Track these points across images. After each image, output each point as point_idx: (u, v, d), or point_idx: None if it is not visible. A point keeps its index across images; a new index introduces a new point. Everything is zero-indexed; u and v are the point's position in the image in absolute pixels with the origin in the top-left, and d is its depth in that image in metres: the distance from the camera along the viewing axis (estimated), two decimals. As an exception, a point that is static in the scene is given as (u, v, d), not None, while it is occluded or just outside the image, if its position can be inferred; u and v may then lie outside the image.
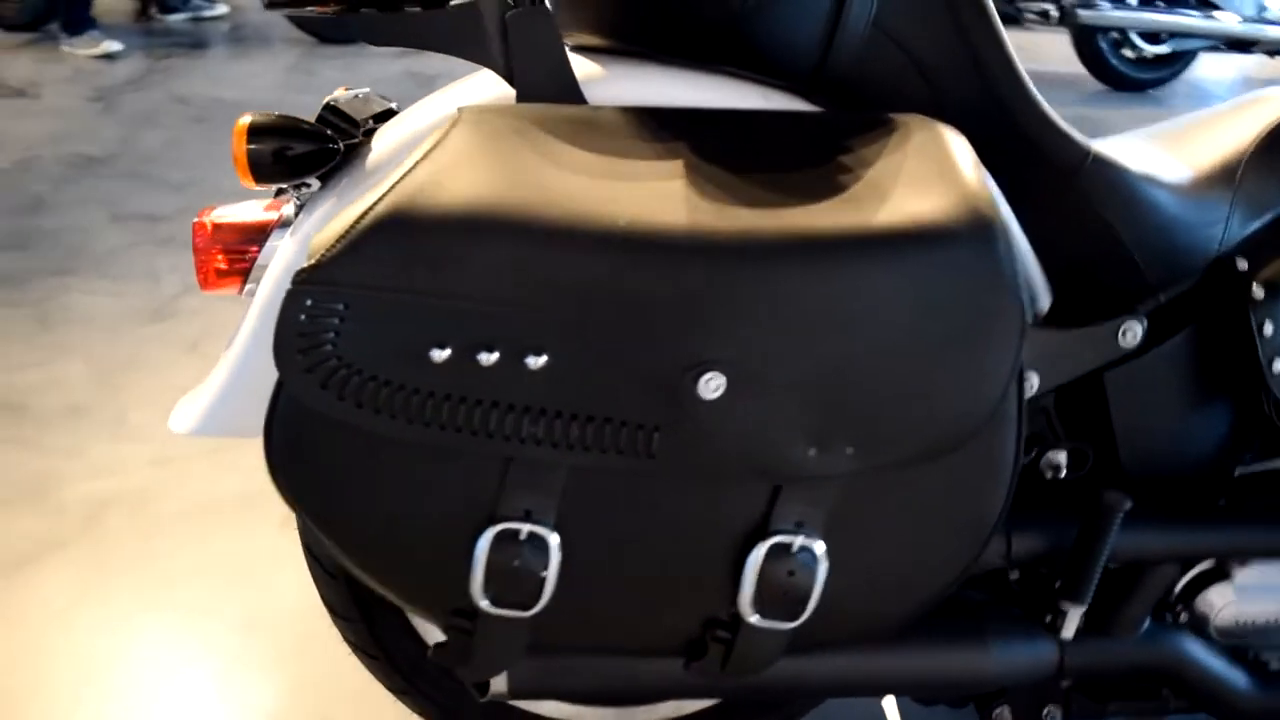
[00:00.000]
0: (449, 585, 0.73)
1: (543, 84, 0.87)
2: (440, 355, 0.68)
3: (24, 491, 1.75)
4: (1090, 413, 1.00)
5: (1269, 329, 0.93)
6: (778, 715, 1.19)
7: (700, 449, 0.70)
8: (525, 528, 0.72)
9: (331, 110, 0.95)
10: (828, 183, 0.72)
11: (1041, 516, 0.94)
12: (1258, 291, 0.93)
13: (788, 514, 0.72)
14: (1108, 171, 0.92)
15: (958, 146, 0.75)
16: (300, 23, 4.51)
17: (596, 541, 0.73)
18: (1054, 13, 4.72)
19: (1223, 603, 1.03)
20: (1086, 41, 4.81)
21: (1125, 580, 1.00)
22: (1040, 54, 5.39)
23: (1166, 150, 1.02)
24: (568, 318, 0.68)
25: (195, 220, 0.98)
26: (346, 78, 4.09)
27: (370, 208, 0.69)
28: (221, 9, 5.22)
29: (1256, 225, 0.98)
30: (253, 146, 0.89)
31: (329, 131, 0.92)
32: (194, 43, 4.83)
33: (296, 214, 0.95)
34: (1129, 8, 4.70)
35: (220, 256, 1.00)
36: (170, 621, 1.48)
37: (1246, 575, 1.04)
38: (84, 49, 4.44)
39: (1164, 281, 0.96)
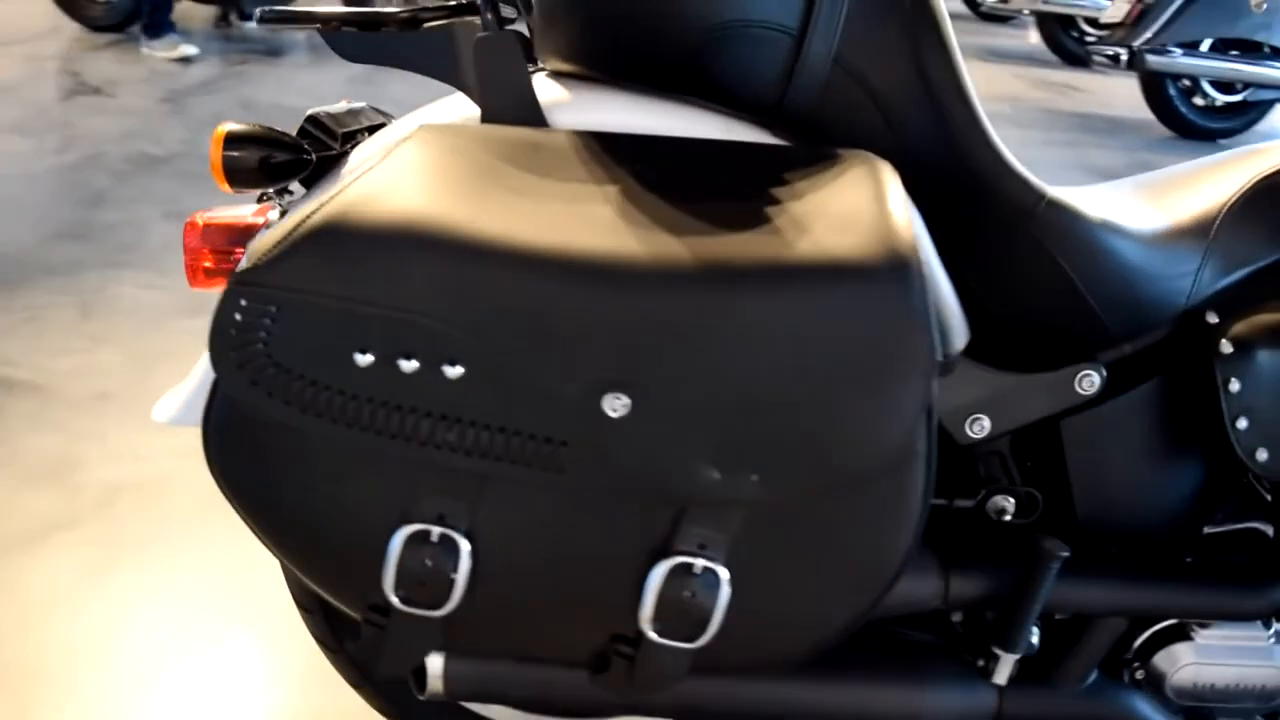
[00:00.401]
0: (365, 581, 0.75)
1: (507, 107, 0.89)
2: (364, 360, 0.71)
3: (44, 472, 1.82)
4: (1046, 460, 0.99)
5: (1235, 385, 0.92)
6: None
7: (606, 466, 0.71)
8: (437, 530, 0.74)
9: (313, 122, 0.99)
10: (755, 215, 0.74)
11: (982, 560, 0.94)
12: (1226, 347, 0.92)
13: (691, 536, 0.73)
14: (1062, 217, 0.92)
15: (888, 185, 0.76)
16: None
17: (507, 549, 0.75)
18: (1124, 57, 4.66)
19: (1181, 662, 1.02)
20: (1156, 87, 4.73)
21: (1071, 631, 0.99)
22: (1108, 99, 5.32)
23: (1141, 199, 1.02)
24: (484, 332, 0.70)
25: (188, 220, 1.02)
26: (409, 89, 4.19)
27: (307, 216, 0.72)
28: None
29: (1229, 280, 0.97)
30: (229, 154, 0.93)
31: (305, 143, 0.96)
32: (269, 50, 4.99)
33: (281, 218, 0.99)
34: (1201, 55, 4.62)
35: (208, 255, 1.04)
36: (170, 606, 1.53)
37: (1208, 636, 1.02)
38: (162, 51, 4.61)
39: (1127, 331, 0.95)
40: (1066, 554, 0.90)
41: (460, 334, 0.70)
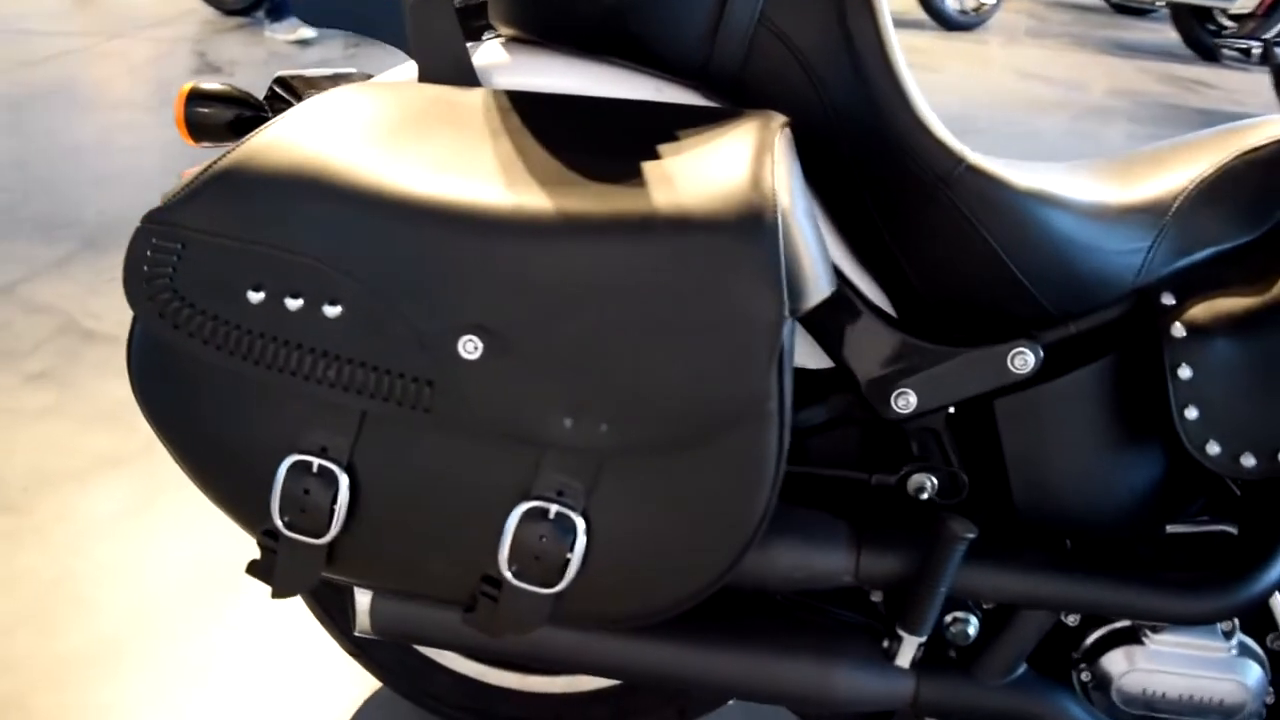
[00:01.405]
0: (257, 506, 0.81)
1: (441, 68, 0.93)
2: (255, 297, 0.76)
3: (104, 414, 1.96)
4: (981, 442, 0.97)
5: (1185, 372, 0.87)
6: (673, 709, 1.21)
7: (466, 408, 0.74)
8: (317, 462, 0.78)
9: (281, 84, 1.05)
10: (630, 171, 0.75)
11: (893, 538, 0.92)
12: (1179, 330, 0.87)
13: (550, 481, 0.75)
14: (982, 183, 0.89)
15: (765, 141, 0.76)
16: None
17: (383, 484, 0.79)
18: (1256, 50, 4.41)
19: (1129, 667, 0.98)
20: (1288, 83, 4.46)
21: (996, 621, 0.97)
22: (1241, 95, 5.04)
23: (1093, 175, 0.98)
24: (360, 273, 0.74)
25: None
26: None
27: (215, 162, 0.77)
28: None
29: (1186, 260, 0.92)
30: (191, 109, 0.99)
31: (269, 103, 1.02)
32: (385, 34, 5.16)
33: None
34: (1341, 49, 4.33)
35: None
36: (205, 543, 1.64)
37: (1161, 642, 0.98)
38: (283, 34, 4.83)
39: (1066, 308, 0.92)
40: (971, 536, 0.88)
41: (339, 275, 0.75)
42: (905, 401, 0.92)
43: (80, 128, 3.57)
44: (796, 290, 0.70)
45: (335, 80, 1.11)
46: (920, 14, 6.07)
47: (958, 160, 0.88)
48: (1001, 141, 4.08)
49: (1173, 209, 0.92)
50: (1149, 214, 0.92)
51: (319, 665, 1.41)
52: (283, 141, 0.78)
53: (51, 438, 1.85)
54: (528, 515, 0.76)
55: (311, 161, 0.77)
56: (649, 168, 0.75)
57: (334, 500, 0.78)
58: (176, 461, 0.85)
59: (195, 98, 1.00)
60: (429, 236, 0.73)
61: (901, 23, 6.14)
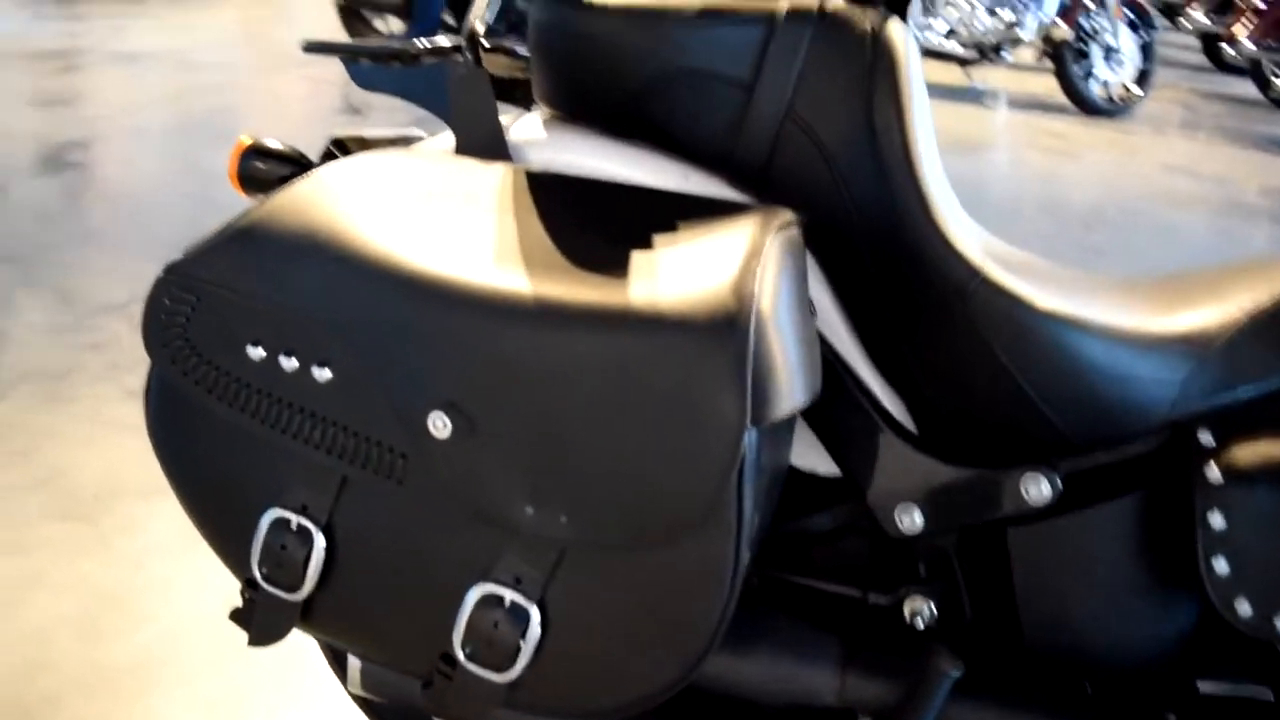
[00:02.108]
0: (240, 555, 0.82)
1: (476, 140, 0.95)
2: (255, 353, 0.78)
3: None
4: (994, 571, 0.91)
5: (1218, 520, 0.80)
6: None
7: (434, 484, 0.75)
8: (296, 519, 0.80)
9: (337, 144, 1.09)
10: (619, 260, 0.75)
11: (883, 663, 0.87)
12: (1214, 472, 0.80)
13: (508, 567, 0.75)
14: (999, 300, 0.85)
15: (762, 241, 0.74)
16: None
17: (356, 548, 0.80)
18: None
19: None
20: None
21: None
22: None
23: (1129, 294, 0.92)
24: (350, 340, 0.76)
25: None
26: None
27: (237, 219, 0.81)
28: None
29: (1231, 397, 0.84)
30: (246, 163, 1.04)
31: (321, 161, 1.06)
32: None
33: None
34: None
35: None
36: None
37: None
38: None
39: (1086, 436, 0.86)
40: (957, 674, 0.82)
41: (332, 337, 0.76)
42: (910, 520, 0.88)
43: (218, 157, 3.78)
44: (764, 399, 0.68)
45: (394, 142, 1.14)
46: (1061, 98, 5.92)
47: (974, 273, 0.85)
48: (1132, 237, 3.92)
49: (1220, 339, 0.85)
50: (1190, 342, 0.85)
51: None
52: (297, 203, 0.81)
53: (133, 453, 1.94)
54: (484, 599, 0.75)
55: (318, 225, 0.79)
56: (638, 259, 0.75)
57: (308, 558, 0.79)
58: (178, 500, 0.87)
59: (251, 153, 1.04)
60: (411, 308, 0.74)
61: (1042, 105, 6.01)
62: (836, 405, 0.89)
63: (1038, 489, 0.84)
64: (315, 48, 1.09)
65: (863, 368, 0.91)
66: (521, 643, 0.74)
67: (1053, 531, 0.87)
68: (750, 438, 0.68)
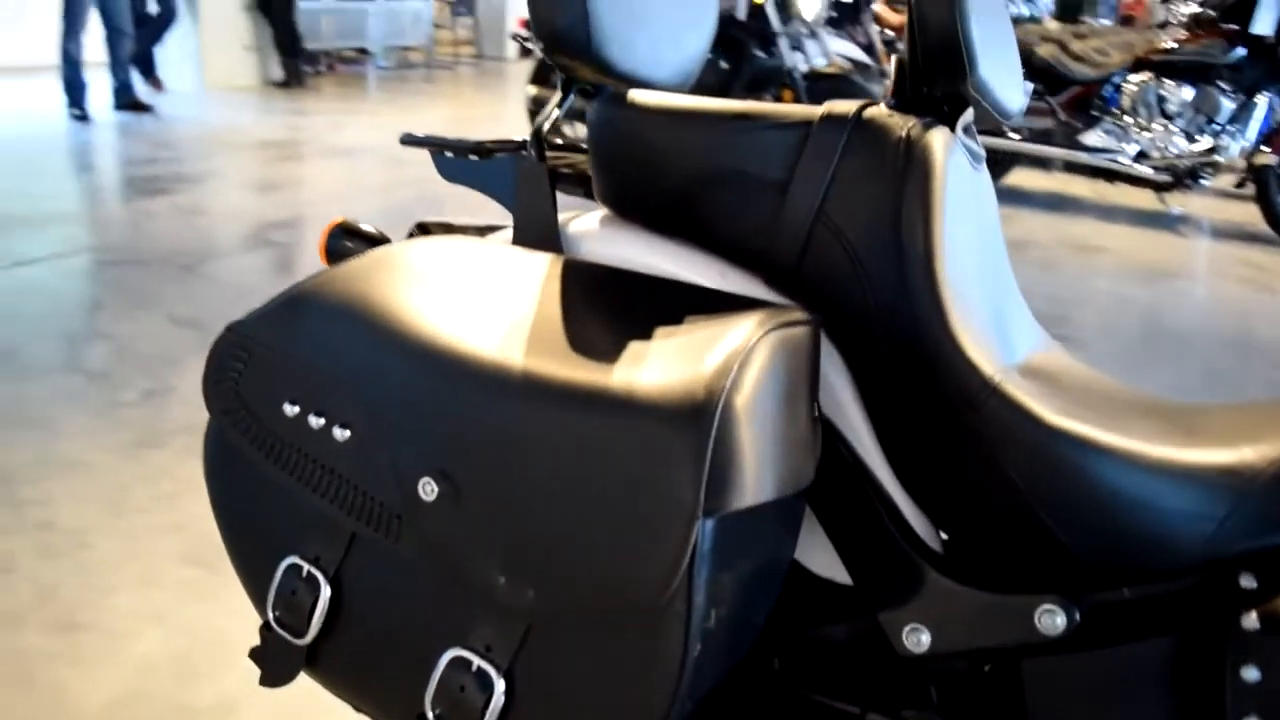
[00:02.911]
0: (261, 596, 0.88)
1: (533, 231, 1.01)
2: (291, 410, 0.85)
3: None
4: (1008, 702, 0.86)
5: (1252, 674, 0.73)
6: None
7: (421, 546, 0.78)
8: (307, 567, 0.85)
9: (420, 228, 1.17)
10: (617, 346, 0.77)
11: None
12: (1252, 621, 0.73)
13: (481, 634, 0.76)
14: (1008, 415, 0.81)
15: (752, 340, 0.74)
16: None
17: (357, 601, 0.84)
18: None
19: None
20: None
21: None
22: None
23: (1163, 418, 0.86)
24: (366, 404, 0.81)
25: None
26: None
27: (293, 287, 0.88)
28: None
29: (1277, 539, 0.76)
30: (334, 241, 1.13)
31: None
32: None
33: None
34: None
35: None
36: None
37: None
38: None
39: (1107, 567, 0.80)
40: None
41: (352, 402, 0.82)
42: (918, 640, 0.85)
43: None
44: (723, 489, 0.68)
45: (475, 230, 1.22)
46: (1263, 226, 5.58)
47: (987, 385, 0.82)
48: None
49: (1266, 475, 0.77)
50: (1232, 476, 0.78)
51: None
52: (346, 277, 0.88)
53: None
54: (454, 661, 0.77)
55: (356, 298, 0.85)
56: (634, 346, 0.77)
57: (314, 606, 0.84)
58: (222, 540, 0.95)
59: (340, 231, 1.13)
60: (417, 377, 0.79)
61: (1241, 234, 5.67)
62: (851, 511, 0.88)
63: (1051, 621, 0.80)
64: (409, 140, 1.18)
65: (884, 474, 0.89)
66: (486, 711, 0.76)
67: (1069, 667, 0.82)
68: (705, 526, 0.68)
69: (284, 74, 8.35)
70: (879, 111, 0.89)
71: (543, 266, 0.91)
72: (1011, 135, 5.67)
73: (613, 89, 0.97)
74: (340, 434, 0.82)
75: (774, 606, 0.87)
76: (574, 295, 0.86)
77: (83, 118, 6.32)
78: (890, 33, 9.48)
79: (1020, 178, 6.25)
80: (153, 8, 7.44)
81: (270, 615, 0.87)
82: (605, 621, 0.72)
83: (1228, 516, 0.76)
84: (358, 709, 0.90)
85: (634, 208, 0.98)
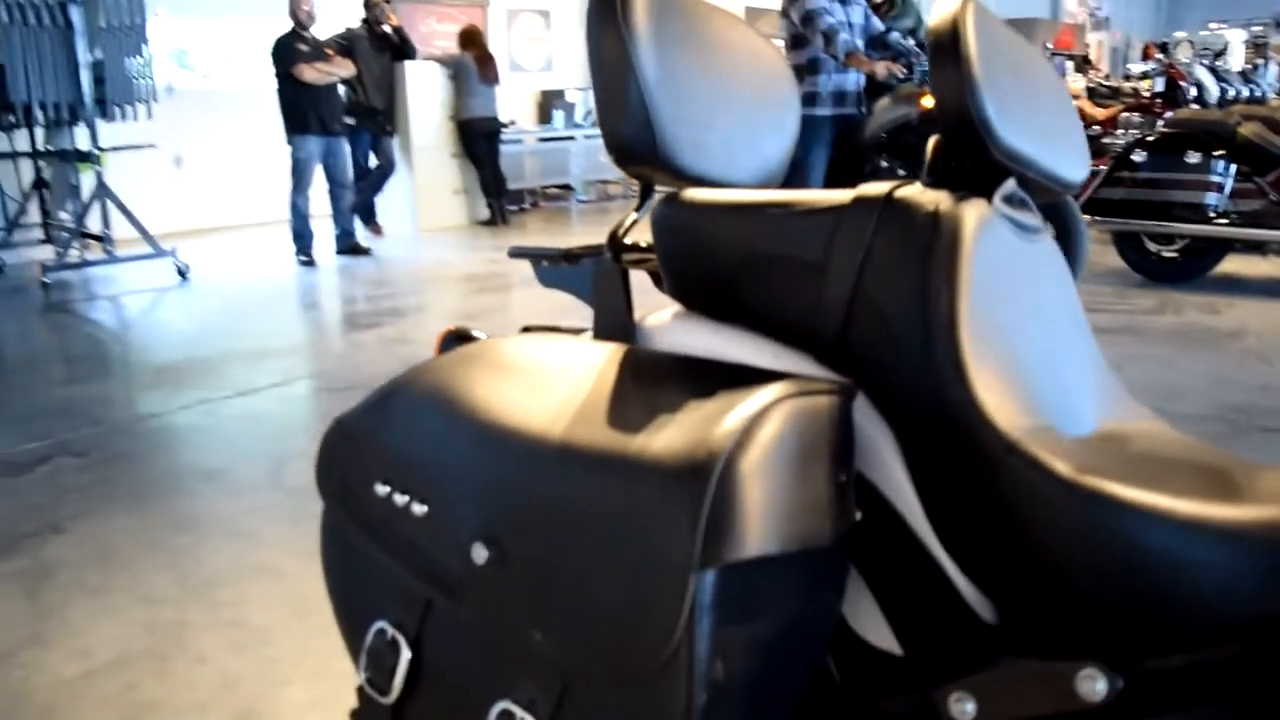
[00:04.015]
0: (356, 659, 0.97)
1: (611, 326, 1.09)
2: (382, 489, 0.95)
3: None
4: None
5: None
6: None
7: (476, 607, 0.85)
8: (391, 632, 0.93)
9: (525, 330, 1.27)
10: (650, 419, 0.82)
11: None
12: None
13: (525, 690, 0.81)
14: (1025, 472, 0.79)
15: (773, 405, 0.77)
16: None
17: (432, 663, 0.91)
18: None
19: None
20: None
21: None
22: None
23: (1205, 478, 0.82)
24: (439, 480, 0.90)
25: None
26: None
27: (388, 383, 1.00)
28: None
29: None
30: (445, 344, 1.24)
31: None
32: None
33: None
34: None
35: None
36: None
37: None
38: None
39: (1150, 630, 0.76)
40: None
41: (428, 480, 0.91)
42: (962, 709, 0.83)
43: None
44: (722, 541, 0.71)
45: (577, 331, 1.31)
46: None
47: (1005, 444, 0.81)
48: None
49: None
50: (1276, 531, 0.72)
51: None
52: (429, 371, 0.98)
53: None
54: (502, 715, 0.82)
55: (436, 388, 0.95)
56: (662, 418, 0.82)
57: (395, 667, 0.92)
58: (332, 609, 1.05)
59: (453, 336, 1.25)
60: (474, 454, 0.87)
61: None
62: (898, 577, 0.88)
63: (1091, 686, 0.77)
64: (515, 253, 1.30)
65: (930, 539, 0.89)
66: None
67: None
68: (705, 579, 0.71)
69: (490, 213, 8.95)
70: (911, 190, 0.92)
71: (602, 355, 0.98)
72: (1218, 221, 5.39)
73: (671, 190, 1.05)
74: (418, 509, 0.91)
75: (823, 669, 0.88)
76: (623, 378, 0.92)
77: (309, 263, 7.01)
78: (1097, 127, 9.25)
79: (1235, 264, 5.89)
80: (373, 161, 8.22)
81: (363, 677, 0.95)
82: (625, 675, 0.76)
83: (1274, 577, 0.72)
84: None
85: (695, 298, 1.04)
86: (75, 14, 5.88)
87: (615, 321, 1.09)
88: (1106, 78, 13.15)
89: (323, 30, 7.34)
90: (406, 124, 8.47)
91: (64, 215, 7.02)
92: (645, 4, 1.02)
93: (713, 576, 0.72)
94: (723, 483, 0.72)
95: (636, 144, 1.01)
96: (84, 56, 5.98)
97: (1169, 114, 7.45)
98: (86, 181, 6.39)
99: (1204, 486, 0.79)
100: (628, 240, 1.12)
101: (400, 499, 0.93)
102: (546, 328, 1.29)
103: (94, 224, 6.52)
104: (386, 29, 8.06)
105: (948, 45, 0.90)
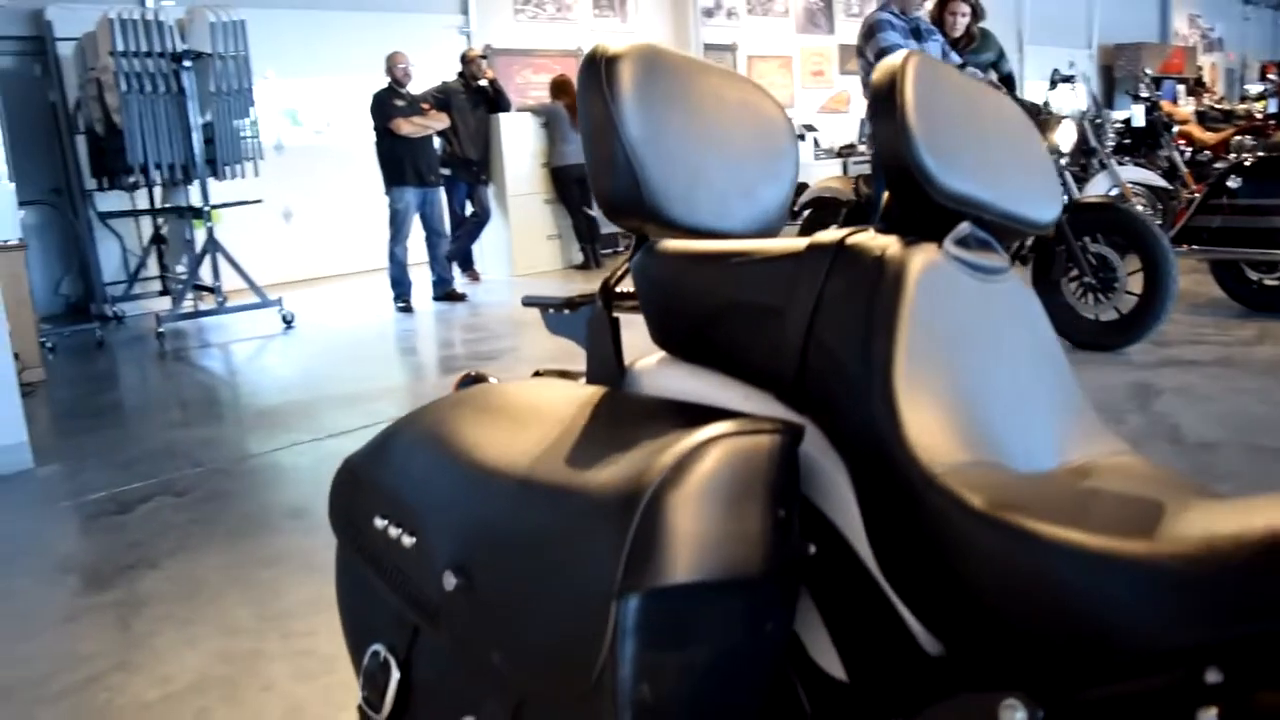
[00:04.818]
0: (357, 678, 1.05)
1: (601, 370, 1.16)
2: (380, 523, 1.04)
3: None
4: None
5: None
6: None
7: (448, 631, 0.92)
8: (384, 654, 1.01)
9: (535, 374, 1.35)
10: (604, 455, 0.88)
11: None
12: (1206, 716, 0.70)
13: (488, 707, 0.88)
14: (944, 505, 0.81)
15: (709, 442, 0.83)
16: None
17: (418, 683, 0.99)
18: None
19: None
20: None
21: None
22: None
23: (1131, 510, 0.82)
24: (423, 514, 0.98)
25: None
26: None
27: (388, 426, 1.09)
28: None
29: (1254, 629, 0.70)
30: (460, 387, 1.33)
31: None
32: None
33: None
34: None
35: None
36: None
37: None
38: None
39: (1071, 662, 0.78)
40: None
41: (415, 513, 1.00)
42: None
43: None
44: (645, 568, 0.77)
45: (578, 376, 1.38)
46: None
47: (925, 477, 0.84)
48: None
49: (1243, 558, 0.71)
50: (1192, 566, 0.73)
51: None
52: (428, 414, 1.07)
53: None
54: None
55: (427, 430, 1.04)
56: (614, 455, 0.88)
57: (386, 686, 1.00)
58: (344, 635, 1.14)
59: (468, 379, 1.34)
60: (451, 488, 0.96)
61: None
62: (845, 608, 0.92)
63: (1011, 716, 0.79)
64: (527, 301, 1.39)
65: (877, 572, 0.92)
66: None
67: None
68: (628, 604, 0.77)
69: (583, 257, 9.13)
70: (864, 236, 0.97)
71: (580, 399, 1.05)
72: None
73: (650, 241, 1.12)
74: (408, 540, 0.99)
75: (793, 698, 0.92)
76: (592, 419, 0.99)
77: (407, 309, 7.27)
78: (1208, 152, 8.96)
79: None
80: (469, 209, 8.50)
81: (361, 695, 1.03)
82: (564, 695, 0.82)
83: (1189, 609, 0.73)
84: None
85: (674, 343, 1.11)
86: (188, 80, 6.28)
87: (604, 366, 1.16)
88: (1220, 100, 12.74)
89: (419, 86, 7.66)
90: (501, 173, 8.73)
91: (179, 268, 7.45)
92: (631, 66, 1.09)
93: (636, 602, 0.77)
94: (648, 513, 0.78)
95: (623, 198, 1.08)
96: (195, 119, 6.38)
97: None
98: (200, 236, 6.78)
99: (1128, 521, 0.79)
100: (620, 289, 1.19)
101: (394, 531, 1.01)
102: (557, 372, 1.37)
103: (206, 276, 6.90)
104: (482, 83, 8.35)
105: (885, 98, 0.95)
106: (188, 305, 6.99)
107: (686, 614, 0.82)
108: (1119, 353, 4.65)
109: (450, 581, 0.92)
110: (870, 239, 0.96)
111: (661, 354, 1.14)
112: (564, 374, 1.36)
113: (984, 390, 0.95)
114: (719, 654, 0.85)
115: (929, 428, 0.88)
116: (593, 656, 0.78)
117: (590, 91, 1.08)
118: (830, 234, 0.99)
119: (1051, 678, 0.80)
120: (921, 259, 0.94)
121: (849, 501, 0.94)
